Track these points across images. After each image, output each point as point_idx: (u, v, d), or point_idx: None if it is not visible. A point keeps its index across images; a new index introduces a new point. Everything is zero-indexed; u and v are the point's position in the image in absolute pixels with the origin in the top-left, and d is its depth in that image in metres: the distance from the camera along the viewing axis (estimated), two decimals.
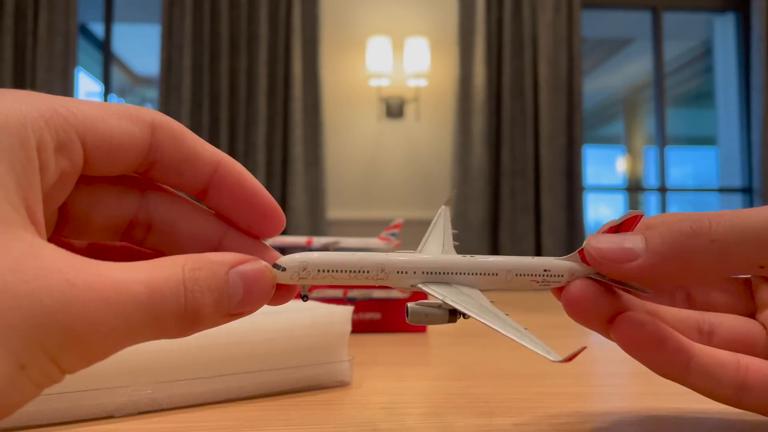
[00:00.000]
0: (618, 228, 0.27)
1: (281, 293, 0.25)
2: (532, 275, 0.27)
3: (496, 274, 0.27)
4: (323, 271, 0.25)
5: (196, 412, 0.34)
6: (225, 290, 0.21)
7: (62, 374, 0.18)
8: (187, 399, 0.35)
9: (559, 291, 0.28)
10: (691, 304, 0.32)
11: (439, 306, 0.27)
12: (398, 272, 0.26)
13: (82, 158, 0.21)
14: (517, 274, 0.27)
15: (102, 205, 0.24)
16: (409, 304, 0.27)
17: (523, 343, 0.23)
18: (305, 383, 0.39)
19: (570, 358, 0.22)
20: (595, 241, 0.26)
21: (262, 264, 0.22)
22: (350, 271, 0.25)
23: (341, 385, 0.41)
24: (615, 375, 0.48)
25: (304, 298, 0.25)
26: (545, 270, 0.27)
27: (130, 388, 0.33)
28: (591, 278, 0.27)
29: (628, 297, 0.28)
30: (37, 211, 0.19)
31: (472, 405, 0.36)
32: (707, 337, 0.30)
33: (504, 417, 0.33)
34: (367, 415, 0.34)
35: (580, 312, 0.27)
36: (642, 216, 0.27)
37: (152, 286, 0.19)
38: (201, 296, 0.20)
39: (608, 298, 0.27)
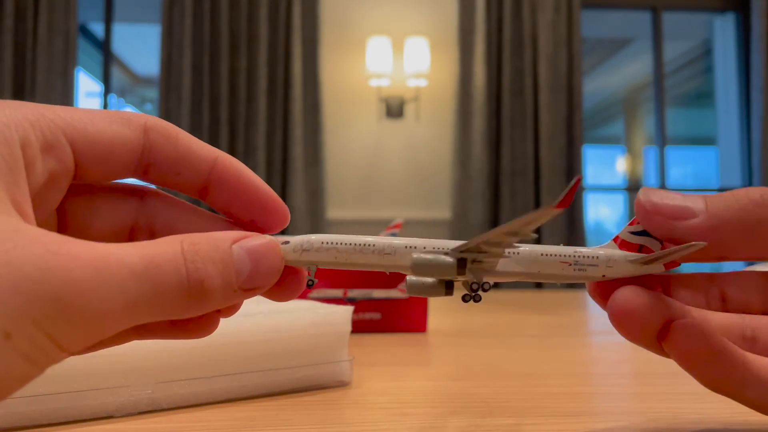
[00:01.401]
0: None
1: (290, 281, 0.24)
2: (561, 255, 0.25)
3: (518, 254, 0.25)
4: (326, 244, 0.24)
5: (196, 412, 0.34)
6: (230, 263, 0.20)
7: (60, 350, 0.17)
8: (187, 399, 0.35)
9: (600, 292, 0.26)
10: (725, 304, 0.29)
11: (446, 253, 0.25)
12: (406, 247, 0.25)
13: (72, 159, 0.21)
14: (542, 254, 0.25)
15: (100, 212, 0.24)
16: (413, 257, 0.24)
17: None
18: (305, 383, 0.39)
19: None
20: (651, 194, 0.24)
21: (268, 238, 0.22)
22: (353, 245, 0.24)
23: (341, 385, 0.41)
24: (615, 375, 0.48)
25: (310, 282, 0.25)
26: (576, 251, 0.25)
27: (130, 388, 0.33)
28: (636, 281, 0.25)
29: (679, 305, 0.25)
30: (24, 205, 0.19)
31: (472, 405, 0.36)
32: (750, 343, 0.27)
33: (504, 417, 0.33)
34: (367, 415, 0.34)
35: (630, 325, 0.24)
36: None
37: (148, 258, 0.18)
38: (203, 267, 0.20)
39: (661, 306, 0.24)
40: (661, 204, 0.24)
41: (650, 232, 0.25)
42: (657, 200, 0.24)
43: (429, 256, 0.24)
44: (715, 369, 0.24)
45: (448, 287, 0.26)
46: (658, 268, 0.26)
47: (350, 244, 0.24)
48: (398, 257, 0.25)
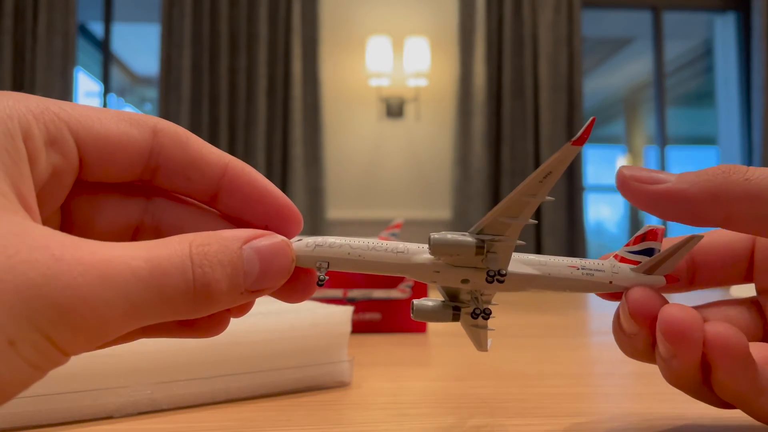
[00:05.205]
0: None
1: (300, 282, 0.24)
2: (569, 261, 0.27)
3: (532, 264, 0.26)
4: (339, 240, 0.24)
5: (196, 412, 0.34)
6: (239, 265, 0.20)
7: (63, 354, 0.17)
8: (187, 399, 0.35)
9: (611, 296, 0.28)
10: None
11: (464, 235, 0.25)
12: (419, 246, 0.25)
13: (77, 155, 0.21)
14: (551, 259, 0.26)
15: (105, 210, 0.24)
16: (433, 235, 0.24)
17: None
18: (305, 384, 0.39)
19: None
20: (630, 167, 0.27)
21: (279, 238, 0.22)
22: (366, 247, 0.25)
23: (341, 385, 0.41)
24: (615, 375, 0.48)
25: (321, 282, 0.24)
26: (581, 260, 0.27)
27: (130, 389, 0.33)
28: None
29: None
30: (29, 198, 0.19)
31: (472, 405, 0.36)
32: None
33: (504, 417, 0.33)
34: (367, 415, 0.34)
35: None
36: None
37: (154, 262, 0.18)
38: (211, 271, 0.19)
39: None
40: (636, 172, 0.27)
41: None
42: (632, 171, 0.27)
43: (449, 235, 0.24)
44: (744, 378, 0.25)
45: (455, 310, 0.27)
46: (659, 281, 0.27)
47: (363, 241, 0.25)
48: (411, 255, 0.25)
